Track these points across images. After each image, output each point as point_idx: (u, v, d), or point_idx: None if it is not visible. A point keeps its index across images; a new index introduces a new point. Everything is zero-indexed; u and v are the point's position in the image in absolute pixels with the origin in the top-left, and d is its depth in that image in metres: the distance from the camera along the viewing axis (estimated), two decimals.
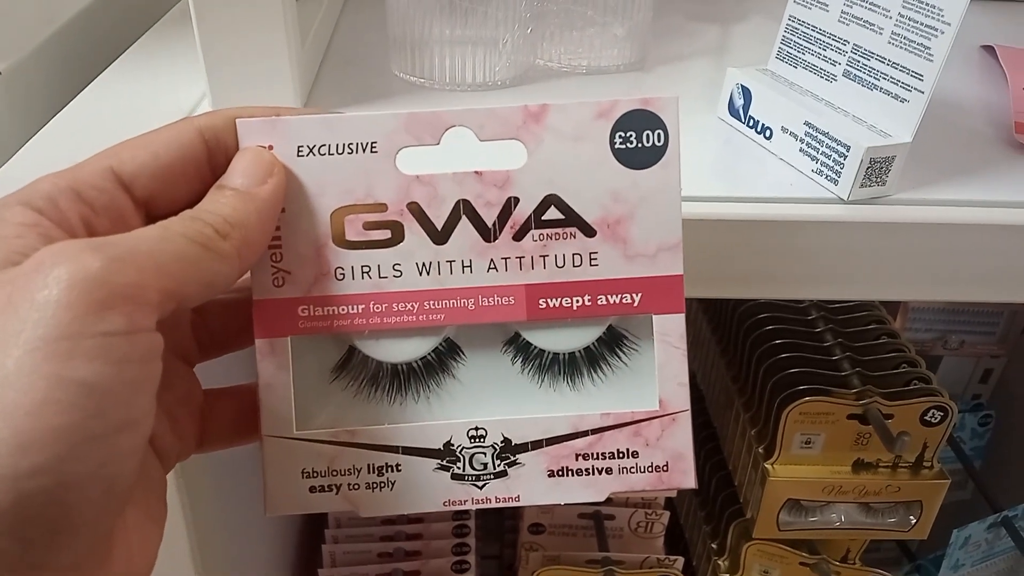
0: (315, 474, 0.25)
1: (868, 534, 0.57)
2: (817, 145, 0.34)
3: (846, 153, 0.33)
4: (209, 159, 0.23)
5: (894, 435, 0.50)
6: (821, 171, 0.34)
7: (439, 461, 0.25)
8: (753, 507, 0.58)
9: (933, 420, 0.53)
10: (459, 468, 0.25)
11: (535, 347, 0.26)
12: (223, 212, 0.21)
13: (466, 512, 0.85)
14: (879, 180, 0.33)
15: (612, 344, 0.26)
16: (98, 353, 0.17)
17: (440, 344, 0.26)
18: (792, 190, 0.34)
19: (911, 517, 0.56)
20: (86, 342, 0.17)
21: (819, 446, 0.55)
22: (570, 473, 0.25)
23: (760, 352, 0.58)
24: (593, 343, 0.26)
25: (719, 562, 0.66)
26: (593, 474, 0.25)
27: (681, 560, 0.63)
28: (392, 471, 0.25)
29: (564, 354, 0.26)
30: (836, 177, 0.34)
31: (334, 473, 0.25)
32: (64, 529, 0.17)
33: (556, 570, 0.61)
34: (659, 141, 0.24)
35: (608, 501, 0.68)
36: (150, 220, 0.21)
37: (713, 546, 0.67)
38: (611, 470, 0.25)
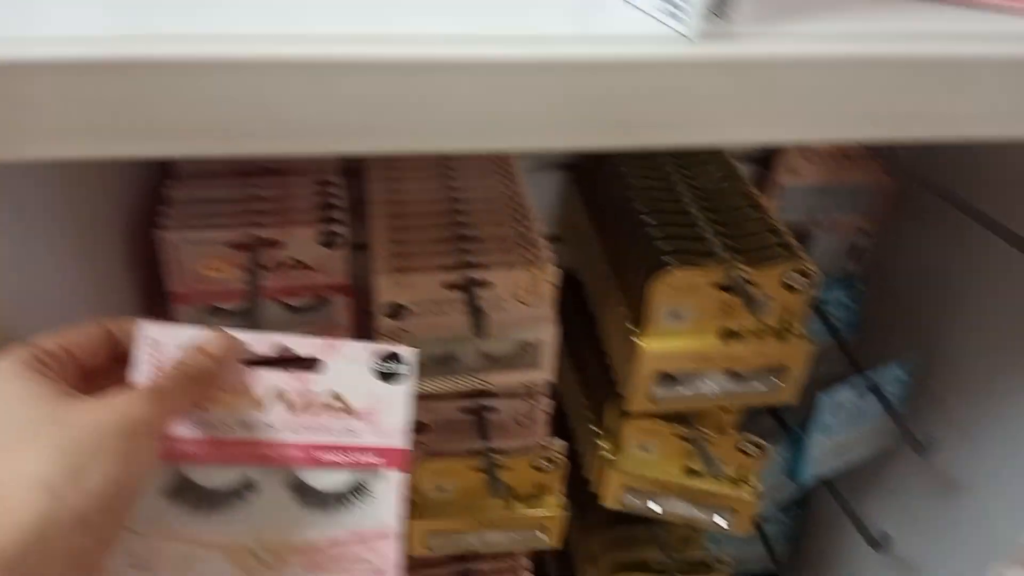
0: None
1: (738, 400, 0.59)
2: None
3: None
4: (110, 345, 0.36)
5: (756, 300, 0.51)
6: (663, 7, 0.33)
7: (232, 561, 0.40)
8: (626, 383, 0.58)
9: (796, 285, 0.54)
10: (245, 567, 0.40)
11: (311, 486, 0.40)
12: (202, 366, 0.37)
13: None
14: (723, 13, 0.32)
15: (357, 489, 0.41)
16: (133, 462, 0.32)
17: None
18: (636, 28, 0.32)
19: (778, 382, 0.58)
20: (137, 449, 0.32)
21: (687, 317, 0.55)
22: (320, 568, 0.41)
23: (629, 228, 0.58)
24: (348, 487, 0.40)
25: (600, 443, 0.68)
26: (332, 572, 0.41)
27: (562, 443, 0.63)
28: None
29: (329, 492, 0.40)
30: (679, 13, 0.32)
31: None
32: None
33: (437, 462, 0.61)
34: (403, 370, 0.40)
35: (489, 392, 0.68)
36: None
37: (594, 429, 0.68)
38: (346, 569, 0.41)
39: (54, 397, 0.30)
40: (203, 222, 0.55)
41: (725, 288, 0.54)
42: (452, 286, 0.53)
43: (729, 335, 0.56)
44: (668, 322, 0.55)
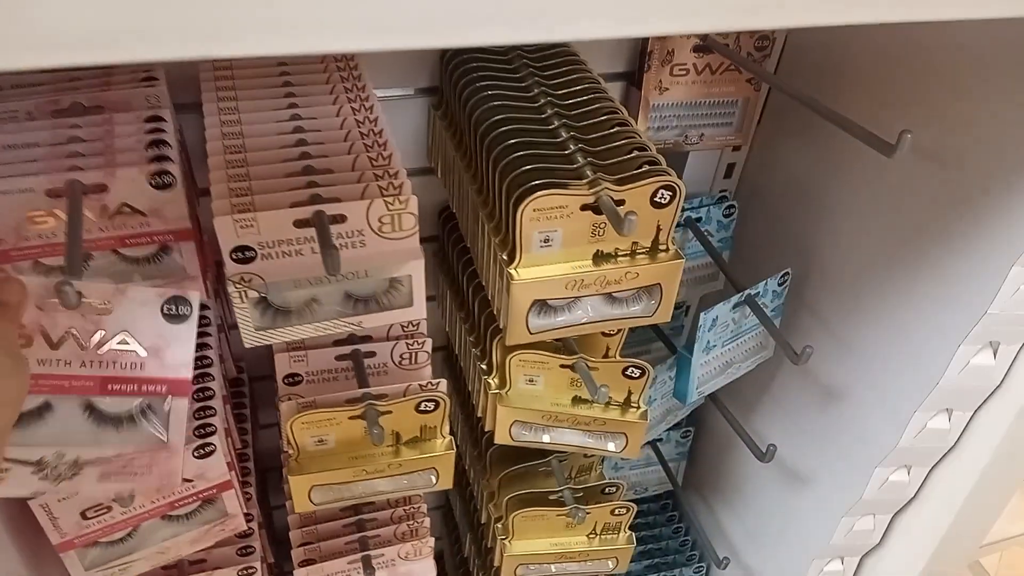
0: None
1: (615, 324, 0.58)
2: None
3: None
4: None
5: (624, 219, 0.49)
6: None
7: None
8: (503, 315, 0.56)
9: (663, 200, 0.53)
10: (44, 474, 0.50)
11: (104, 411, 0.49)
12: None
13: (241, 383, 0.79)
14: None
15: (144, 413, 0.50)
16: None
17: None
18: None
19: (652, 302, 0.57)
20: None
21: (558, 243, 0.53)
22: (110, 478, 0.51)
23: (494, 155, 0.55)
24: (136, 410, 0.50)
25: (488, 380, 0.66)
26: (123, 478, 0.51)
27: (444, 382, 0.61)
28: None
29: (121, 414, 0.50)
30: None
31: None
32: None
33: (311, 414, 0.58)
34: (187, 312, 0.49)
35: (367, 338, 0.65)
36: None
37: (482, 366, 0.67)
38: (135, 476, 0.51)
39: None
40: (16, 170, 0.49)
41: (595, 209, 0.52)
42: (303, 223, 0.49)
43: (602, 257, 0.55)
44: (539, 250, 0.53)
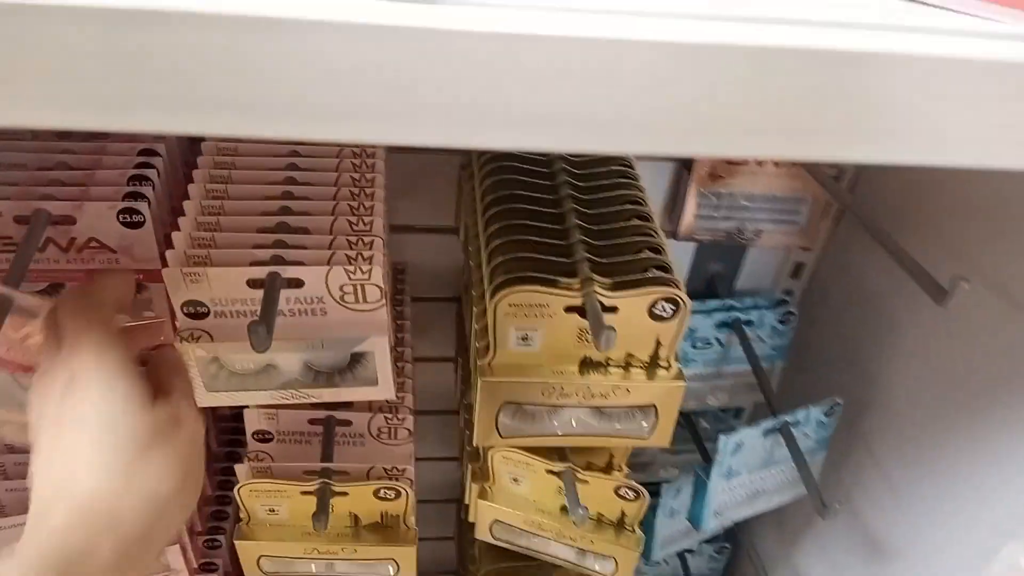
0: None
1: (599, 441, 0.51)
2: None
3: None
4: None
5: (603, 329, 0.42)
6: None
7: None
8: (475, 410, 0.50)
9: (663, 313, 0.46)
10: None
11: None
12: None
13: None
14: None
15: None
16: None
17: None
18: None
19: (644, 423, 0.50)
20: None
21: (537, 342, 0.47)
22: None
23: (489, 232, 0.50)
24: None
25: (474, 468, 0.60)
26: None
27: (410, 468, 0.56)
28: None
29: None
30: None
31: None
32: None
33: (259, 483, 0.54)
34: None
35: (347, 405, 0.61)
36: None
37: (468, 449, 0.61)
38: None
39: (143, 408, 0.35)
40: None
41: (582, 311, 0.46)
42: (257, 284, 0.45)
43: (590, 366, 0.48)
44: (516, 346, 0.47)
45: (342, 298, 0.46)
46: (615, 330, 0.42)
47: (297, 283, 0.45)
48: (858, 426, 0.67)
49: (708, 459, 0.74)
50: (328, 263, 0.46)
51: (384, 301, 0.47)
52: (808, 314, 0.73)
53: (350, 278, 0.45)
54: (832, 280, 0.73)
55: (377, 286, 0.46)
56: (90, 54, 0.23)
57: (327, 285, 0.46)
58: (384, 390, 0.50)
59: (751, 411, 0.84)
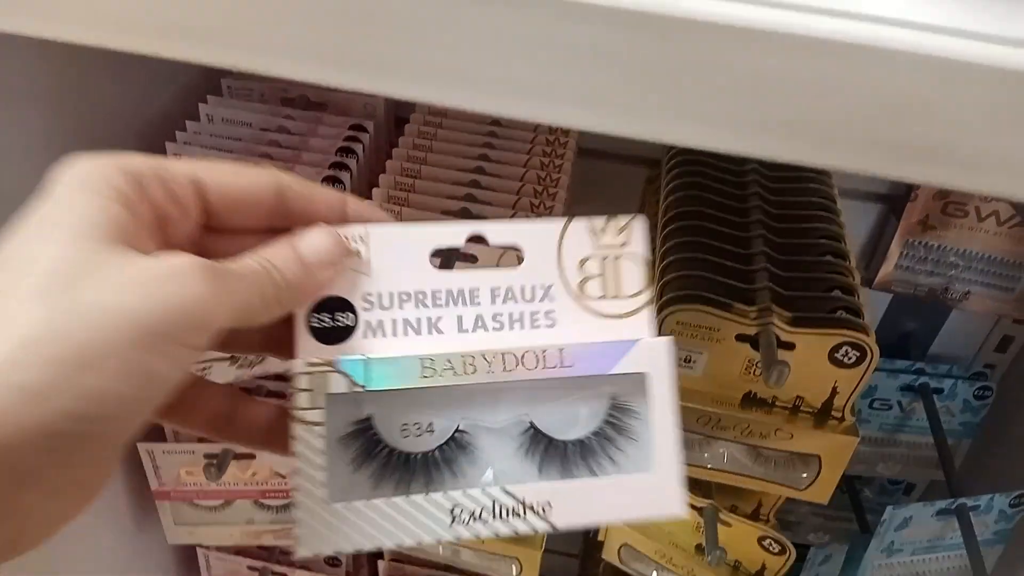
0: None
1: (749, 483, 0.48)
2: None
3: None
4: (276, 207, 0.25)
5: (776, 364, 0.40)
6: None
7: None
8: None
9: (847, 360, 0.42)
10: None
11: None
12: (288, 275, 0.24)
13: None
14: None
15: None
16: (170, 356, 0.21)
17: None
18: None
19: (804, 474, 0.46)
20: (168, 345, 0.20)
21: (700, 366, 0.45)
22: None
23: (667, 247, 0.48)
24: None
25: None
26: None
27: None
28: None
29: None
30: None
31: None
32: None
33: None
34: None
35: None
36: (202, 228, 0.24)
37: None
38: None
39: (93, 242, 0.21)
40: (217, 143, 0.53)
41: (755, 342, 0.43)
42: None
43: (753, 401, 0.45)
44: (680, 367, 0.45)
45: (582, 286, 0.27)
46: (789, 367, 0.39)
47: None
48: None
49: (867, 531, 0.68)
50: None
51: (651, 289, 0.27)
52: (1009, 393, 0.65)
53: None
54: None
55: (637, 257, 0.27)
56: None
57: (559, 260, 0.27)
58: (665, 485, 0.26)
59: (924, 490, 0.77)
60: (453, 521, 0.24)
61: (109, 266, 0.20)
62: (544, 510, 0.25)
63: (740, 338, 0.43)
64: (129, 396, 0.20)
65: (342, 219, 0.26)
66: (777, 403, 0.45)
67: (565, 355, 0.25)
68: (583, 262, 0.26)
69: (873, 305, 0.65)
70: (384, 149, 0.58)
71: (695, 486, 0.55)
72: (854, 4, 0.22)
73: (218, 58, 0.25)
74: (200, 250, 0.23)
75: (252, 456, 0.55)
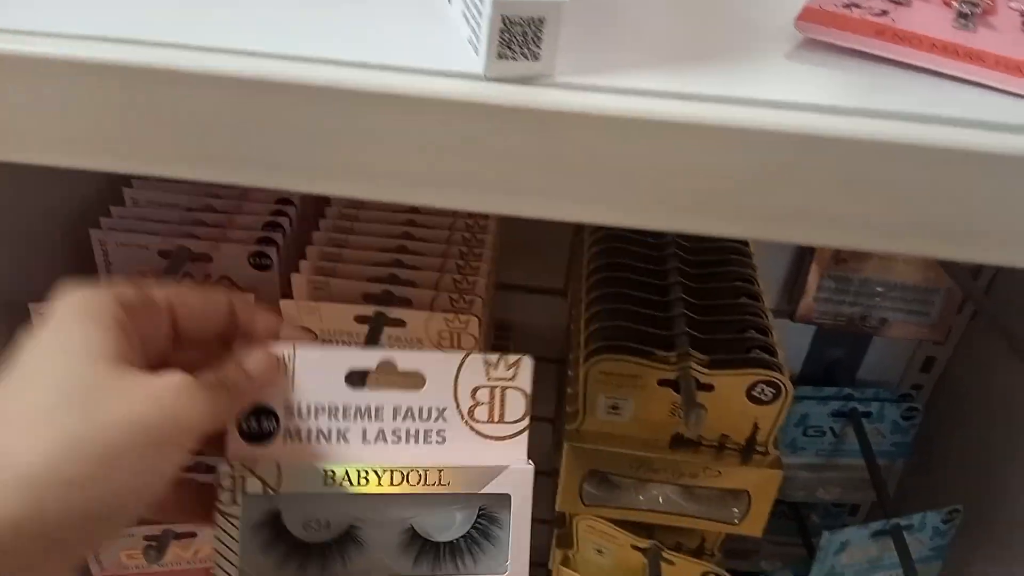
0: None
1: (685, 522, 0.49)
2: (469, 3, 0.26)
3: (480, 10, 0.25)
4: (227, 324, 0.30)
5: (695, 407, 0.41)
6: (471, 38, 0.26)
7: None
8: (560, 475, 0.50)
9: (763, 397, 0.44)
10: None
11: None
12: (242, 389, 0.29)
13: None
14: (524, 51, 0.25)
15: None
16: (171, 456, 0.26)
17: None
18: (426, 60, 0.26)
19: (735, 509, 0.48)
20: (170, 448, 0.26)
21: (628, 413, 0.46)
22: None
23: (591, 298, 0.50)
24: None
25: (559, 533, 0.59)
26: None
27: None
28: None
29: None
30: (478, 44, 0.25)
31: None
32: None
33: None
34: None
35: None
36: (170, 341, 0.29)
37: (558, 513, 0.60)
38: None
39: (103, 363, 0.25)
40: (141, 226, 0.53)
41: (677, 386, 0.45)
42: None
43: (681, 443, 0.47)
44: (606, 415, 0.47)
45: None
46: (706, 409, 0.41)
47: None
48: (980, 537, 0.61)
49: (813, 555, 0.69)
50: (428, 308, 0.47)
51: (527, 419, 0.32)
52: (935, 412, 0.68)
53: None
54: (964, 378, 0.68)
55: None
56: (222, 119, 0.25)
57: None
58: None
59: (868, 509, 0.79)
60: None
61: (122, 383, 0.25)
62: None
63: (663, 383, 0.45)
64: (140, 488, 0.25)
65: (275, 335, 0.31)
66: (704, 443, 0.47)
67: (443, 475, 0.30)
68: (475, 391, 0.31)
69: (799, 336, 0.68)
70: (312, 218, 0.59)
71: (637, 528, 0.56)
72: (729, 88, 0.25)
73: (118, 166, 0.26)
74: (166, 359, 0.29)
75: (193, 535, 0.55)
